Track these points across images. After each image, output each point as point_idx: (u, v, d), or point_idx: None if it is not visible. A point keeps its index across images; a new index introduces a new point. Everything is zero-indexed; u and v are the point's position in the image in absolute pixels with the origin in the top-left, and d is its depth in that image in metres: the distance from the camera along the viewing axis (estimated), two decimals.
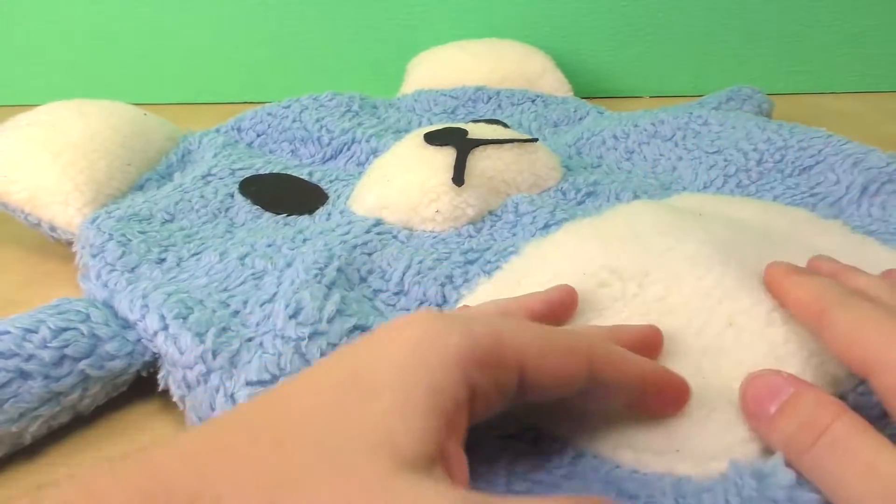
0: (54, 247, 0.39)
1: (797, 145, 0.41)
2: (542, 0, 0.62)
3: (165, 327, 0.27)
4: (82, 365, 0.26)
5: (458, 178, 0.36)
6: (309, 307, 0.28)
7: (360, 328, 0.28)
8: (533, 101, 0.55)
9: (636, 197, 0.38)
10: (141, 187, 0.41)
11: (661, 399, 0.23)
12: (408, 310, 0.30)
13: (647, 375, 0.22)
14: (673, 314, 0.27)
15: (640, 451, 0.22)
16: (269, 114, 0.50)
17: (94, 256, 0.33)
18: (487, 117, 0.53)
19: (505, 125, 0.47)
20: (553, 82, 0.58)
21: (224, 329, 0.27)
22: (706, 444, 0.22)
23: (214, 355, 0.26)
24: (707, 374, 0.25)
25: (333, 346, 0.27)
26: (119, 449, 0.27)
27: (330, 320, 0.27)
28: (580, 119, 0.53)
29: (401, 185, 0.36)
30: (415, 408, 0.17)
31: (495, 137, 0.39)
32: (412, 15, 0.62)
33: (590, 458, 0.23)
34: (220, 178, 0.41)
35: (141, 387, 0.29)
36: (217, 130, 0.49)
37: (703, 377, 0.25)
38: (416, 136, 0.40)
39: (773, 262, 0.27)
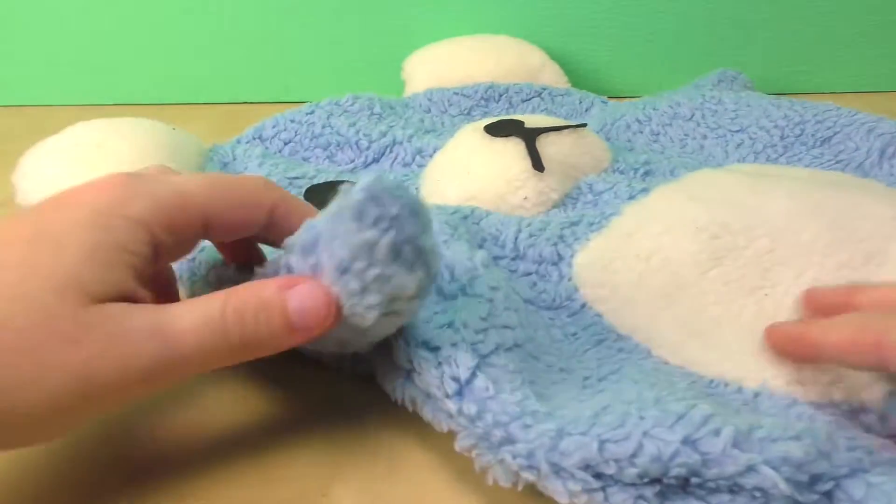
0: None
1: (813, 119, 0.45)
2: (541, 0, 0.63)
3: None
4: None
5: (538, 164, 0.37)
6: (458, 264, 0.27)
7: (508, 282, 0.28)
8: (540, 94, 0.57)
9: (690, 172, 0.40)
10: None
11: None
12: (528, 274, 0.32)
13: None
14: (784, 265, 0.30)
15: (807, 385, 0.25)
16: (292, 121, 0.50)
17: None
18: (502, 116, 0.55)
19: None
20: (552, 75, 0.60)
21: None
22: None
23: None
24: None
25: (493, 289, 0.26)
26: None
27: (486, 265, 0.27)
28: (586, 110, 0.56)
29: (482, 176, 0.38)
30: (100, 260, 0.20)
31: (550, 125, 0.41)
32: (412, 15, 0.63)
33: (767, 395, 0.25)
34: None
35: None
36: (238, 141, 0.49)
37: None
38: (475, 130, 0.41)
39: (771, 327, 0.26)
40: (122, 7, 0.63)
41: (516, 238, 0.32)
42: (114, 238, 0.20)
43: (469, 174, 0.38)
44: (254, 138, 0.49)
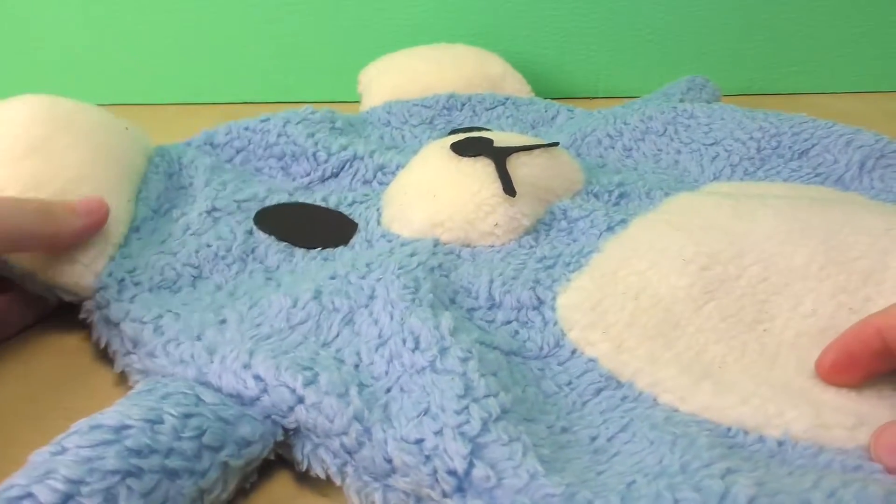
0: None
1: (790, 131, 0.43)
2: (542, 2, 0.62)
3: (301, 399, 0.24)
4: (223, 456, 0.22)
5: (509, 188, 0.35)
6: (424, 331, 0.26)
7: (482, 342, 0.26)
8: (503, 103, 0.54)
9: (667, 194, 0.38)
10: (137, 228, 0.36)
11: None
12: (508, 322, 0.29)
13: None
14: (780, 294, 0.28)
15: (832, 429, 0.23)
16: (245, 128, 0.46)
17: (152, 332, 0.28)
18: (466, 125, 0.52)
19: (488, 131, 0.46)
20: (514, 84, 0.58)
21: (361, 385, 0.24)
22: None
23: (369, 410, 0.23)
24: None
25: (464, 360, 0.24)
26: None
27: (453, 333, 0.26)
28: (552, 118, 0.54)
29: (450, 200, 0.35)
30: None
31: (521, 144, 0.38)
32: (413, 15, 0.61)
33: (791, 444, 0.23)
34: (229, 214, 0.37)
35: None
36: (188, 144, 0.44)
37: None
38: (441, 148, 0.38)
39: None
40: (122, 7, 0.62)
41: (490, 287, 0.30)
42: None
43: (435, 197, 0.35)
44: (205, 143, 0.45)
